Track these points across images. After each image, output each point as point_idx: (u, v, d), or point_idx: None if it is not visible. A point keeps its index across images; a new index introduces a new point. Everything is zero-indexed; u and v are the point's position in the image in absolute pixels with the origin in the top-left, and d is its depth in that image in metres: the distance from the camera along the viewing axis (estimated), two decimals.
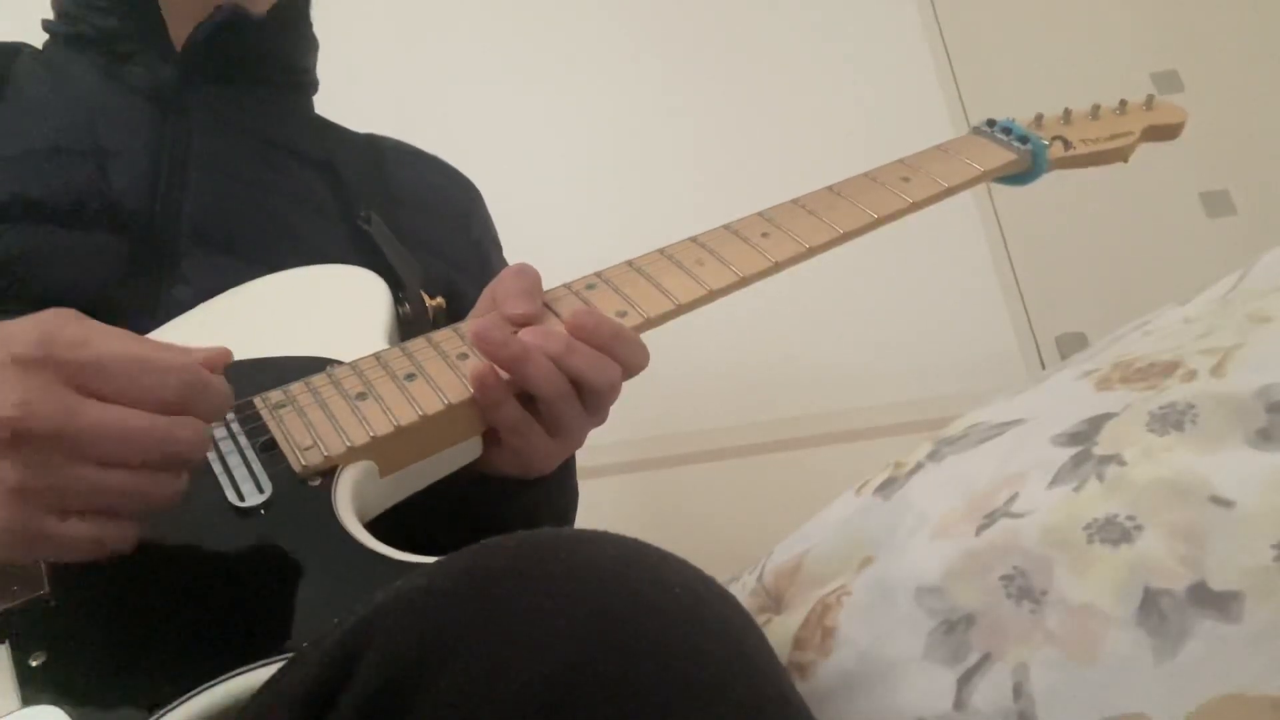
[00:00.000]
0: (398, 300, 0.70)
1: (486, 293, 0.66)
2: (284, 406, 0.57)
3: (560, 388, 0.59)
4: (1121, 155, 0.83)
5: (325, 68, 0.89)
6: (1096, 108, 0.84)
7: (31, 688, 0.44)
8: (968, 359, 1.32)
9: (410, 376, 0.59)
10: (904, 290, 1.35)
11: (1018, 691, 0.43)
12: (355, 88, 1.00)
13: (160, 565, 0.48)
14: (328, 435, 0.55)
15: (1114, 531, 0.44)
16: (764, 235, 0.69)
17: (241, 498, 0.52)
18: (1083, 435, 0.49)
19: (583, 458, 0.71)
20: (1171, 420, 0.47)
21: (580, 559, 0.38)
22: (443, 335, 0.62)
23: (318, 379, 0.59)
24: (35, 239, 0.67)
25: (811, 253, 0.69)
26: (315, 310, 0.68)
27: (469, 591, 0.37)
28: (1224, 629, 0.40)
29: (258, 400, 0.57)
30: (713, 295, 0.65)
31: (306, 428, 0.55)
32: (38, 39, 0.82)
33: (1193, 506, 0.43)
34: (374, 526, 0.55)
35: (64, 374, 0.44)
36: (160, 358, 0.47)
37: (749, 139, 1.43)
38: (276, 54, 0.83)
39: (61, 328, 0.45)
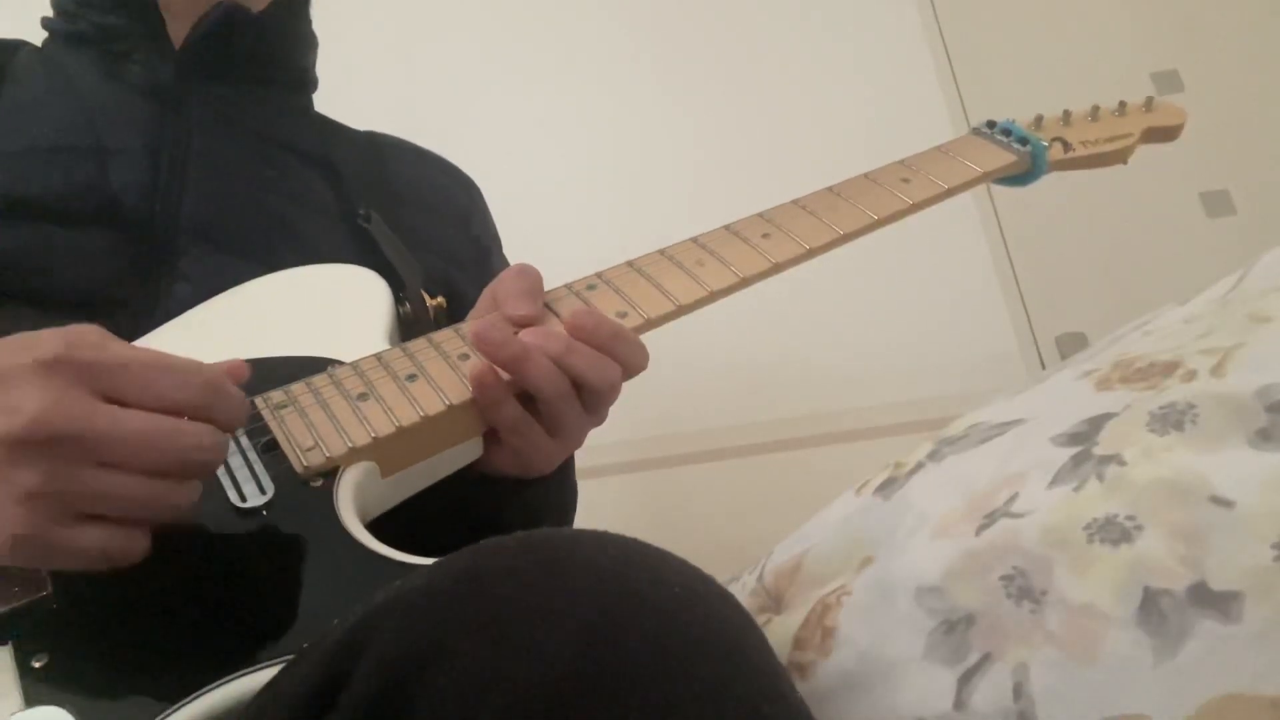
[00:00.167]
0: (398, 300, 0.70)
1: (487, 292, 0.66)
2: (285, 407, 0.57)
3: (560, 388, 0.59)
4: (1121, 157, 0.83)
5: (326, 66, 0.89)
6: (1096, 109, 0.84)
7: (34, 689, 0.44)
8: (968, 359, 1.32)
9: (411, 377, 0.59)
10: (904, 290, 1.35)
11: (1018, 691, 0.43)
12: (356, 86, 1.00)
13: (162, 566, 0.48)
14: (329, 436, 0.55)
15: (1114, 531, 0.44)
16: (764, 236, 0.69)
17: (243, 498, 0.52)
18: (1083, 435, 0.49)
19: (583, 458, 0.71)
20: (1171, 420, 0.47)
21: (580, 559, 0.38)
22: (444, 335, 0.62)
23: (319, 379, 0.59)
24: (34, 237, 0.67)
25: (812, 254, 0.69)
26: (316, 310, 0.68)
27: (468, 592, 0.37)
28: (1224, 629, 0.40)
29: (259, 401, 0.57)
30: (713, 296, 0.65)
31: (308, 428, 0.56)
32: (37, 37, 0.82)
33: (1193, 506, 0.43)
34: (374, 527, 0.55)
35: (84, 377, 0.44)
36: (181, 361, 0.47)
37: (749, 140, 1.43)
38: (275, 52, 0.83)
39: (83, 334, 0.45)
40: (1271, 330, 0.49)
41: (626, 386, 0.62)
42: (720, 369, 1.32)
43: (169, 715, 0.43)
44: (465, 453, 0.61)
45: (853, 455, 1.27)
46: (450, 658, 0.35)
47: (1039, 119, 0.83)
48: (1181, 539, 0.42)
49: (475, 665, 0.34)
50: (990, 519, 0.48)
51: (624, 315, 0.63)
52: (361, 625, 0.37)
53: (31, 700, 0.43)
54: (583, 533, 0.41)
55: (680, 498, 1.30)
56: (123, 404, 0.45)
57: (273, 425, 0.56)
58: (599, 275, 0.67)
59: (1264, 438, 0.44)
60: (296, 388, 0.58)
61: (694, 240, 0.69)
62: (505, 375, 0.58)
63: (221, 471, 0.53)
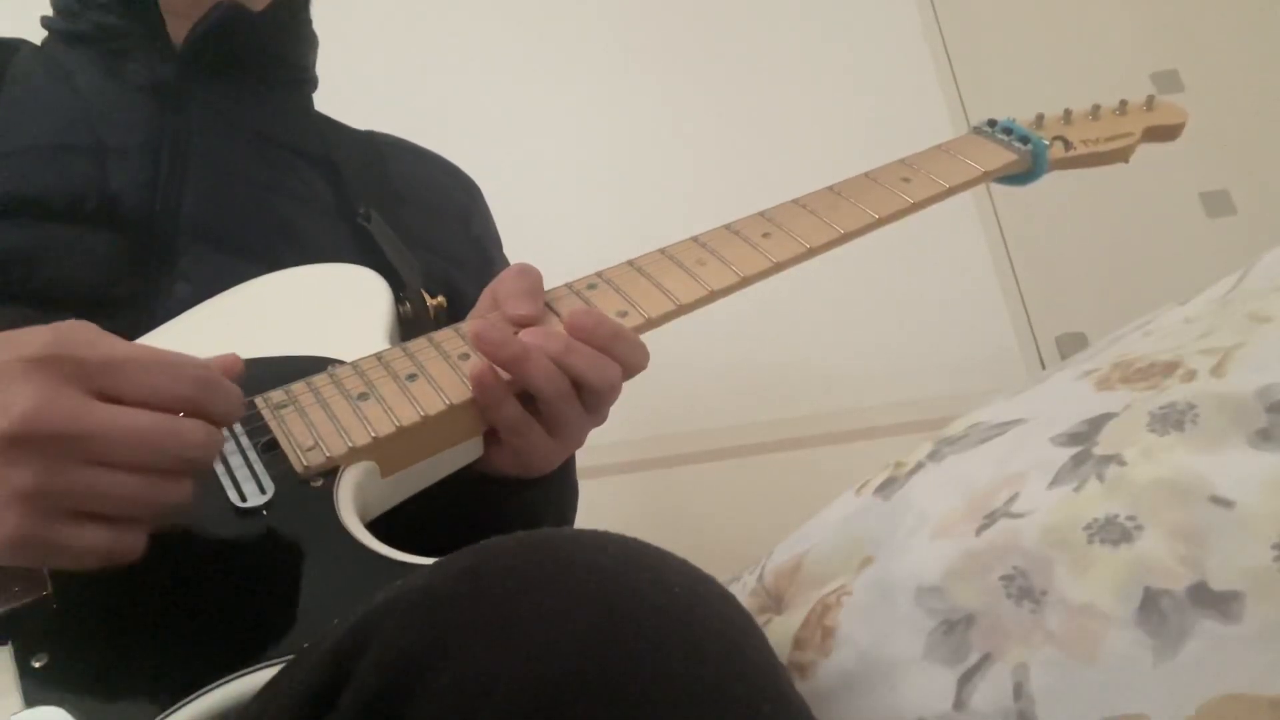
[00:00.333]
0: (398, 299, 0.70)
1: (487, 292, 0.66)
2: (285, 406, 0.57)
3: (560, 387, 0.59)
4: (1122, 156, 0.83)
5: (326, 65, 0.89)
6: (1097, 108, 0.84)
7: (34, 689, 0.44)
8: (968, 359, 1.32)
9: (412, 377, 0.59)
10: (904, 290, 1.35)
11: (1018, 691, 0.43)
12: (356, 86, 1.00)
13: (162, 566, 0.48)
14: (329, 435, 0.55)
15: (1114, 531, 0.44)
16: (765, 235, 0.69)
17: (243, 498, 0.52)
18: (1083, 435, 0.49)
19: (583, 458, 0.71)
20: (1172, 420, 0.47)
21: (580, 559, 0.38)
22: (444, 335, 0.62)
23: (319, 379, 0.59)
24: (34, 236, 0.67)
25: (812, 253, 0.69)
26: (316, 309, 0.68)
27: (468, 592, 0.37)
28: (1224, 629, 0.40)
29: (259, 400, 0.57)
30: (714, 295, 0.65)
31: (308, 428, 0.55)
32: (37, 36, 0.82)
33: (1193, 506, 0.43)
34: (375, 527, 0.55)
35: (75, 374, 0.43)
36: (173, 356, 0.47)
37: (750, 139, 1.43)
38: (275, 51, 0.83)
39: (74, 330, 0.45)
40: (1271, 330, 0.49)
41: (627, 386, 0.62)
42: (720, 369, 1.32)
43: (169, 715, 0.43)
44: (465, 452, 0.61)
45: (853, 455, 1.27)
46: (451, 657, 0.35)
47: (1040, 118, 0.83)
48: (1182, 539, 0.42)
49: (476, 665, 0.34)
50: (990, 519, 0.48)
51: (624, 314, 0.63)
52: (362, 625, 0.37)
53: (31, 700, 0.43)
54: (583, 533, 0.41)
55: (680, 498, 1.30)
56: (115, 401, 0.44)
57: (273, 425, 0.56)
58: (599, 274, 0.67)
59: (1264, 438, 0.44)
60: (297, 387, 0.58)
61: (694, 239, 0.69)
62: (505, 375, 0.58)
63: (222, 471, 0.53)
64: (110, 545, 0.45)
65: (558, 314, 0.63)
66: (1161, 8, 1.51)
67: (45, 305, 0.66)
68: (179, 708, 0.43)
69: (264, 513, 0.52)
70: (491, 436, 0.61)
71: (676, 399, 1.30)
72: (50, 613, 0.47)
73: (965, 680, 0.45)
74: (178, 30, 0.78)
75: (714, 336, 1.24)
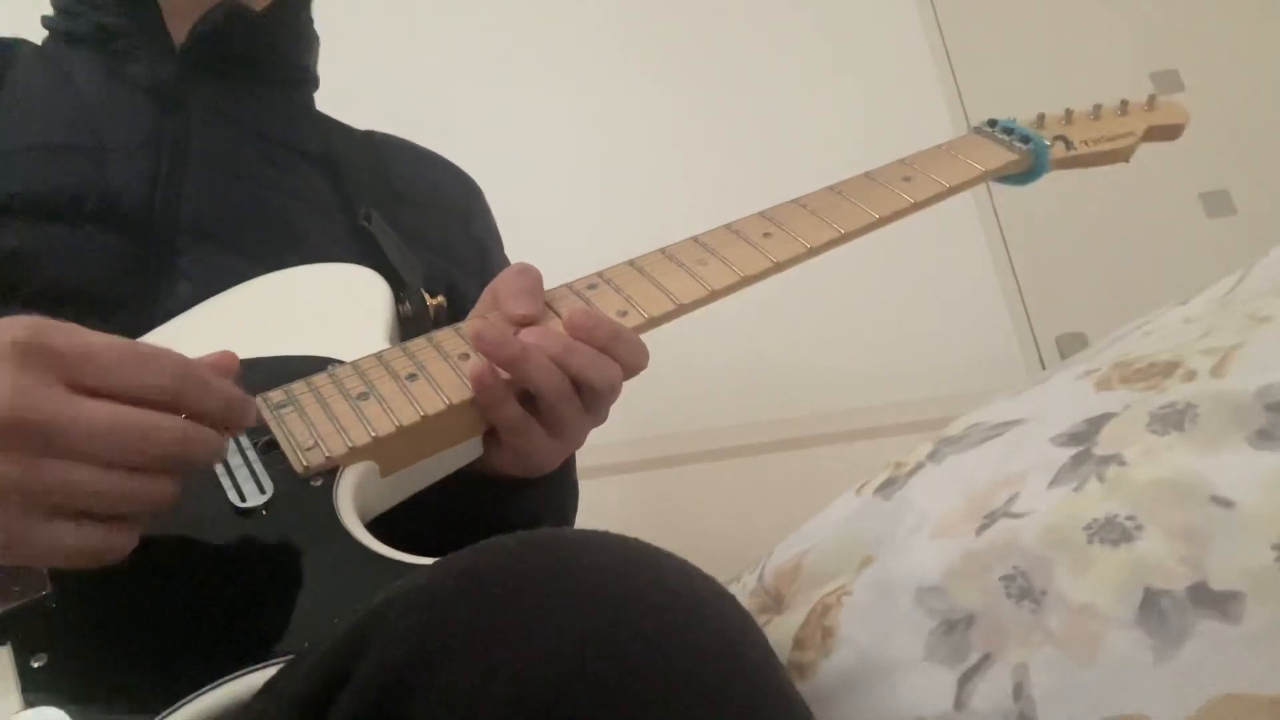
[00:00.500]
0: (398, 299, 0.70)
1: (488, 292, 0.66)
2: (285, 406, 0.57)
3: (560, 387, 0.59)
4: (1123, 155, 0.83)
5: (327, 66, 0.89)
6: (1098, 108, 0.84)
7: (33, 689, 0.44)
8: (968, 359, 1.32)
9: (412, 376, 0.59)
10: (904, 290, 1.35)
11: (1018, 692, 0.43)
12: (357, 85, 1.00)
13: (162, 567, 0.48)
14: (329, 435, 0.55)
15: (1114, 531, 0.44)
16: (765, 235, 0.69)
17: (243, 498, 0.52)
18: (1083, 435, 0.49)
19: (583, 458, 0.71)
20: (1172, 420, 0.47)
21: (580, 559, 0.38)
22: (444, 335, 0.62)
23: (319, 378, 0.59)
24: (35, 236, 0.67)
25: (813, 253, 0.69)
26: (316, 309, 0.68)
27: (468, 591, 0.37)
28: (1224, 629, 0.40)
29: (259, 400, 0.57)
30: (714, 295, 0.65)
31: (308, 427, 0.55)
32: (37, 36, 0.82)
33: (1193, 506, 0.43)
34: (374, 527, 0.55)
35: (50, 365, 0.42)
36: (151, 349, 0.45)
37: (751, 138, 1.43)
38: (276, 51, 0.83)
39: (51, 323, 0.44)
40: (1271, 330, 0.49)
41: (627, 386, 0.62)
42: (720, 369, 1.32)
43: (168, 715, 0.43)
44: (465, 452, 0.61)
45: (853, 455, 1.27)
46: (451, 657, 0.35)
47: (1041, 117, 0.83)
48: (1182, 539, 0.42)
49: (475, 665, 0.34)
50: (990, 519, 0.48)
51: (625, 314, 0.63)
52: (362, 625, 0.37)
53: (31, 701, 0.43)
54: (583, 533, 0.41)
55: (680, 498, 1.30)
56: (92, 394, 0.43)
57: (272, 425, 0.56)
58: (600, 274, 0.67)
59: (1264, 438, 0.44)
60: (296, 387, 0.58)
61: (695, 239, 0.69)
62: (505, 375, 0.58)
63: (221, 471, 0.53)
64: (92, 544, 0.44)
65: (558, 314, 0.63)
66: (1161, 8, 1.51)
67: (46, 305, 0.65)
68: (178, 708, 0.43)
69: (263, 513, 0.52)
70: (491, 436, 0.61)
71: (677, 399, 1.30)
72: (49, 613, 0.47)
73: (965, 680, 0.45)
74: (178, 30, 0.78)
75: (714, 336, 1.24)
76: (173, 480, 0.46)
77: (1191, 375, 0.49)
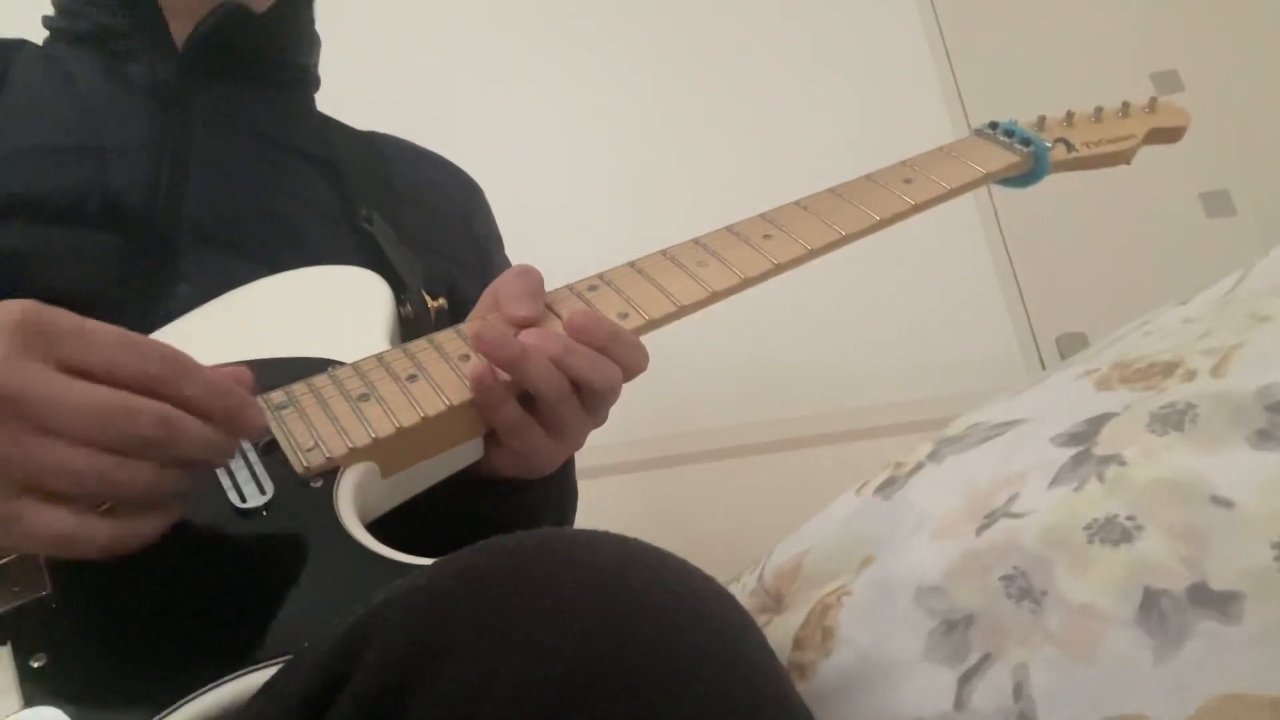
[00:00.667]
0: (399, 301, 0.70)
1: (488, 293, 0.66)
2: (286, 407, 0.57)
3: (559, 388, 0.59)
4: (1124, 158, 0.83)
5: (327, 66, 0.89)
6: (1099, 110, 0.84)
7: (33, 689, 0.44)
8: (968, 359, 1.32)
9: (412, 378, 0.59)
10: (904, 290, 1.35)
11: (1018, 692, 0.43)
12: (357, 86, 1.00)
13: (162, 566, 0.48)
14: (329, 436, 0.55)
15: (1114, 531, 0.44)
16: (766, 237, 0.69)
17: (243, 499, 0.52)
18: (1083, 435, 0.49)
19: (583, 458, 0.71)
20: (1172, 420, 0.47)
21: (580, 559, 0.38)
22: (444, 336, 0.62)
23: (319, 380, 0.59)
24: (36, 237, 0.67)
25: (813, 254, 0.69)
26: (317, 311, 0.68)
27: (468, 591, 0.37)
28: (1224, 629, 0.40)
29: (259, 401, 0.57)
30: (715, 297, 0.65)
31: (308, 428, 0.56)
32: (37, 36, 0.82)
33: (1193, 506, 0.43)
34: (374, 528, 0.55)
35: (43, 344, 0.43)
36: (143, 338, 0.45)
37: (751, 141, 1.44)
38: (278, 52, 0.83)
39: (45, 306, 0.44)
40: (1271, 330, 0.49)
41: (627, 386, 0.62)
42: (720, 369, 1.32)
43: (168, 715, 0.43)
44: (466, 454, 0.61)
45: (853, 455, 1.27)
46: (450, 657, 0.35)
47: (1041, 120, 0.83)
48: (1181, 539, 0.42)
49: (475, 665, 0.34)
50: (990, 519, 0.48)
51: (625, 316, 0.63)
52: (362, 624, 0.37)
53: (30, 700, 0.43)
54: (583, 533, 0.41)
55: (680, 498, 1.30)
56: (82, 376, 0.43)
57: (273, 425, 0.56)
58: (600, 276, 0.67)
59: (1264, 438, 0.44)
60: (297, 388, 0.58)
61: (696, 241, 0.69)
62: (504, 376, 0.58)
63: (221, 472, 0.53)
64: (70, 529, 0.43)
65: (558, 315, 0.63)
66: (1161, 8, 1.51)
67: None
68: (178, 707, 0.43)
69: (264, 513, 0.52)
70: (492, 438, 0.61)
71: (676, 399, 1.30)
72: (49, 613, 0.47)
73: (965, 680, 0.45)
74: (179, 31, 0.78)
75: (714, 337, 1.24)
76: (148, 467, 0.45)
77: (1191, 375, 0.49)
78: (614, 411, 0.63)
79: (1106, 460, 0.47)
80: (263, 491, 0.52)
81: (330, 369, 0.60)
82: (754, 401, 1.31)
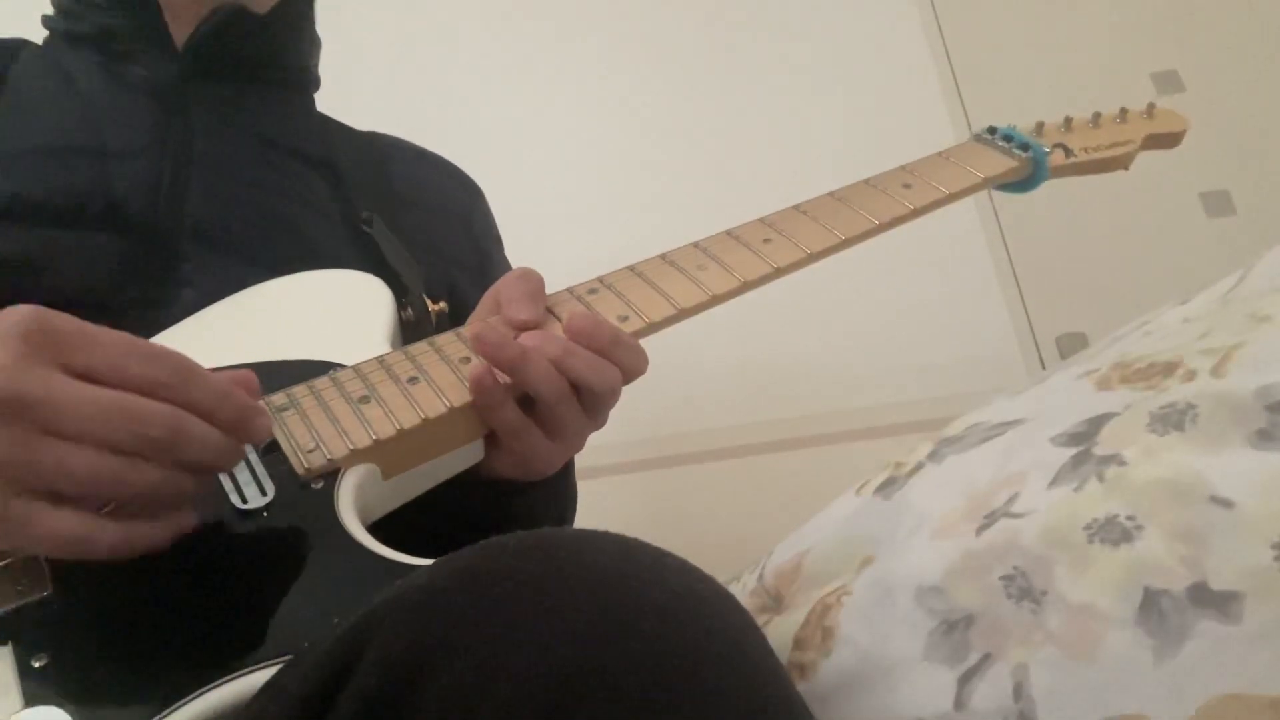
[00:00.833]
0: (400, 304, 0.70)
1: (489, 295, 0.66)
2: (287, 409, 0.57)
3: (559, 390, 0.59)
4: (1122, 163, 0.83)
5: (328, 66, 0.89)
6: (1098, 115, 0.84)
7: (34, 689, 0.44)
8: (968, 359, 1.32)
9: (413, 380, 0.59)
10: (904, 290, 1.35)
11: (1018, 692, 0.43)
12: (358, 86, 1.00)
13: (163, 567, 0.48)
14: (330, 438, 0.55)
15: (1114, 531, 0.44)
16: (765, 241, 0.69)
17: (244, 500, 0.52)
18: (1083, 435, 0.49)
19: (583, 458, 0.71)
20: (1172, 420, 0.47)
21: (580, 559, 0.38)
22: (445, 339, 0.62)
23: (320, 382, 0.59)
24: (37, 240, 0.67)
25: (813, 258, 0.69)
26: (318, 314, 0.68)
27: (468, 591, 0.37)
28: (1224, 629, 0.40)
29: (260, 403, 0.57)
30: (714, 300, 0.65)
31: (309, 430, 0.56)
32: (37, 36, 0.82)
33: (1193, 506, 0.43)
34: (375, 529, 0.55)
35: (52, 348, 0.43)
36: (151, 344, 0.46)
37: (751, 145, 1.44)
38: (279, 53, 0.83)
39: (54, 311, 0.44)
40: (1271, 330, 0.49)
41: (627, 387, 0.62)
42: (720, 369, 1.32)
43: (168, 715, 0.43)
44: (466, 456, 0.61)
45: (853, 455, 1.27)
46: (451, 656, 0.35)
47: (1040, 125, 0.83)
48: (1181, 539, 0.42)
49: (475, 664, 0.34)
50: (990, 519, 0.48)
51: (625, 319, 0.63)
52: (363, 624, 0.37)
53: (31, 700, 0.43)
54: (583, 532, 0.41)
55: (680, 498, 1.30)
56: (90, 381, 0.44)
57: (274, 427, 0.56)
58: (600, 279, 0.67)
59: (1264, 438, 0.44)
60: (298, 390, 0.58)
61: (696, 245, 0.69)
62: (504, 378, 0.58)
63: (222, 473, 0.53)
64: (77, 531, 0.44)
65: (559, 318, 0.63)
66: (1161, 8, 1.51)
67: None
68: (178, 707, 0.43)
69: (265, 514, 0.52)
70: (492, 440, 0.61)
71: (676, 399, 1.30)
72: (51, 613, 0.47)
73: (965, 680, 0.45)
74: (179, 31, 0.78)
75: (714, 337, 1.24)
76: (154, 468, 0.45)
77: (1191, 375, 0.49)
78: (614, 412, 0.63)
79: (1106, 460, 0.47)
80: (264, 493, 0.52)
81: (331, 371, 0.60)
82: (754, 401, 1.31)
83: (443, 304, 0.74)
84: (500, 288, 0.65)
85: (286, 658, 0.44)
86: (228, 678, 0.44)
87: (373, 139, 0.89)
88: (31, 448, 0.42)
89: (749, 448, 1.29)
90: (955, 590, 0.47)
